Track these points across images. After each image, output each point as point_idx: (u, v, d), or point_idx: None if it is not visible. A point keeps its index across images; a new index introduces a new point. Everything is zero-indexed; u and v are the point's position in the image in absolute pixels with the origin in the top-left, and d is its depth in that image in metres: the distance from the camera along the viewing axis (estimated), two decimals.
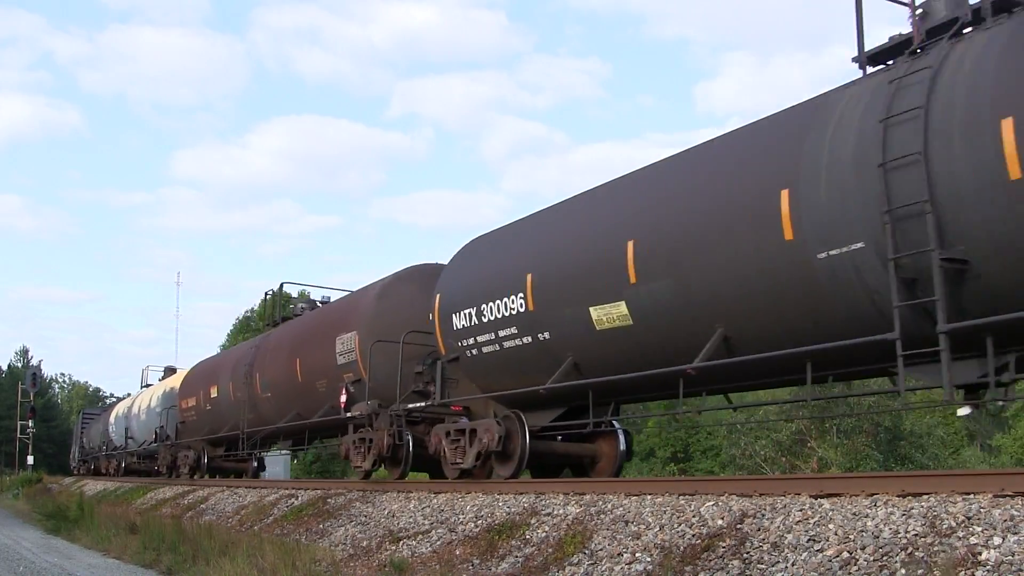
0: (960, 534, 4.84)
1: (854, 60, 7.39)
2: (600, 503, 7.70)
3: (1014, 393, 7.08)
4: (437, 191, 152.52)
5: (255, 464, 22.43)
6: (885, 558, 4.95)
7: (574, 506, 7.89)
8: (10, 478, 37.99)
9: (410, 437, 12.73)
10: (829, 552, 5.26)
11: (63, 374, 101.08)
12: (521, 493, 9.04)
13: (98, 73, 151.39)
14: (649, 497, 7.43)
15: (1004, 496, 5.17)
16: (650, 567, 6.14)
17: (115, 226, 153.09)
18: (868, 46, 7.31)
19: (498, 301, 10.29)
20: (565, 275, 9.37)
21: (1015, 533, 4.64)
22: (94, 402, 73.48)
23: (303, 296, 20.09)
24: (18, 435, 48.67)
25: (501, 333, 10.29)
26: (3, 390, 69.31)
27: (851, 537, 5.31)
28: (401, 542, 8.95)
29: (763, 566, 5.49)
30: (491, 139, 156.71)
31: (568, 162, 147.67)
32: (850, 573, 4.99)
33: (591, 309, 8.95)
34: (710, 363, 7.72)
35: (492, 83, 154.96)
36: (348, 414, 13.70)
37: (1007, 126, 5.73)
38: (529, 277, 9.82)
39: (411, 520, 9.70)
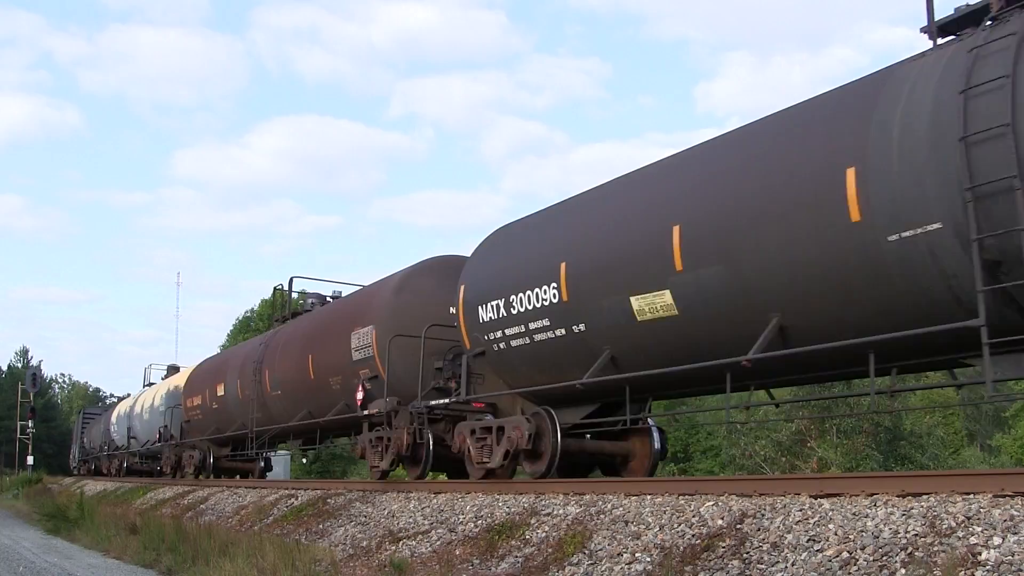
0: (960, 534, 4.81)
1: (923, 31, 6.92)
2: (600, 503, 7.65)
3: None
4: (437, 191, 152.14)
5: (262, 464, 21.96)
6: (885, 558, 4.92)
7: (574, 506, 7.84)
8: (10, 478, 37.54)
9: (431, 436, 12.25)
10: (829, 552, 5.23)
11: (63, 374, 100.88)
12: (521, 493, 8.95)
13: (98, 73, 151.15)
14: (649, 497, 7.38)
15: (1004, 496, 5.14)
16: (650, 567, 6.09)
17: (115, 226, 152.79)
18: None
19: (528, 292, 9.80)
20: (603, 263, 8.88)
21: (1015, 533, 4.61)
22: (94, 402, 72.91)
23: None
24: (18, 435, 48.26)
25: (532, 325, 9.81)
26: (3, 390, 68.95)
27: (851, 537, 5.28)
28: (401, 542, 8.89)
29: (763, 566, 5.45)
30: (491, 139, 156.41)
31: (568, 162, 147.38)
32: (850, 573, 4.95)
33: (632, 299, 8.47)
34: (767, 355, 7.23)
35: (492, 83, 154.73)
36: (365, 412, 13.19)
37: None
38: (563, 266, 9.33)
39: (411, 520, 9.60)
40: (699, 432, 44.54)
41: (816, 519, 5.71)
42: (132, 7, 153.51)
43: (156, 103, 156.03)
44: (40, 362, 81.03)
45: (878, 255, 6.50)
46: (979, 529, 4.80)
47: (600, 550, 6.71)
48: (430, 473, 13.20)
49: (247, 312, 63.18)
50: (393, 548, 8.78)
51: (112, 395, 76.08)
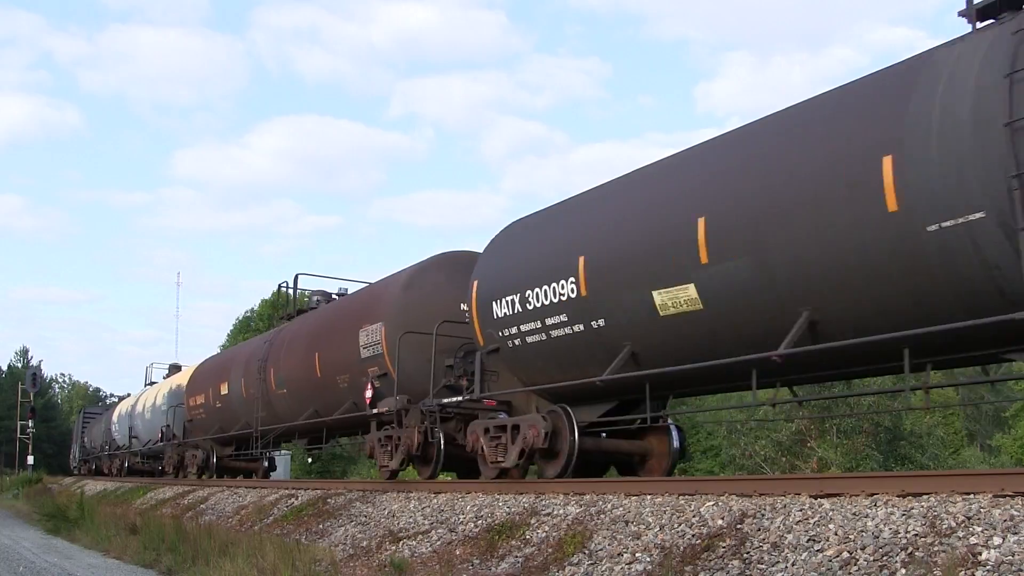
0: (960, 534, 4.80)
1: (961, 14, 6.69)
2: (600, 503, 7.62)
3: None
4: (437, 191, 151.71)
5: (266, 464, 21.73)
6: (885, 558, 4.91)
7: (574, 506, 7.80)
8: (10, 478, 37.34)
9: (441, 435, 12.02)
10: (829, 552, 5.22)
11: (63, 374, 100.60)
12: (521, 493, 8.89)
13: (98, 73, 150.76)
14: (649, 497, 7.36)
15: (1004, 496, 5.11)
16: (650, 567, 6.07)
17: (115, 226, 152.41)
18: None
19: (545, 287, 9.57)
20: (624, 257, 8.64)
21: (1015, 533, 4.60)
22: (94, 402, 72.64)
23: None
24: (18, 435, 48.05)
25: (548, 321, 9.57)
26: (3, 390, 68.73)
27: (851, 537, 5.27)
28: (401, 542, 8.85)
29: (763, 566, 5.44)
30: (491, 139, 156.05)
31: (568, 162, 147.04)
32: (850, 573, 4.94)
33: (654, 293, 8.24)
34: (800, 350, 6.99)
35: (492, 83, 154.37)
36: (375, 410, 12.95)
37: None
38: (581, 260, 9.10)
39: (411, 520, 9.54)
40: (699, 432, 44.39)
41: (816, 519, 5.69)
42: (132, 7, 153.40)
43: (156, 103, 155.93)
44: (40, 362, 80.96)
45: (916, 246, 6.27)
46: (979, 529, 4.78)
47: (600, 550, 6.67)
48: (440, 473, 12.97)
49: (247, 312, 63.06)
50: (393, 548, 8.72)
51: (112, 395, 75.84)
